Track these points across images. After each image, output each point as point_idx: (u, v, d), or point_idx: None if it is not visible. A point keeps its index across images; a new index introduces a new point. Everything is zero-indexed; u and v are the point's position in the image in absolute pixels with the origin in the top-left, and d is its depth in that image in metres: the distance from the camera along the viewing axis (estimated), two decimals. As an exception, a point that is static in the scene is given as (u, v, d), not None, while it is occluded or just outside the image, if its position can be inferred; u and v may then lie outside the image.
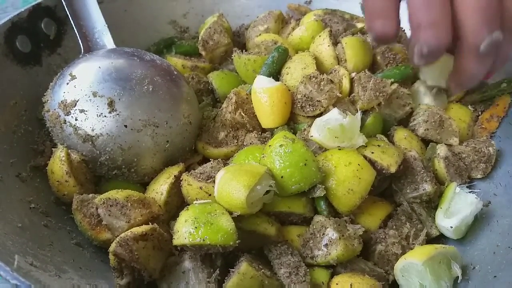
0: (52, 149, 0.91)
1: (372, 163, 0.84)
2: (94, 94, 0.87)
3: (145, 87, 0.90)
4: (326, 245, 0.78)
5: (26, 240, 0.76)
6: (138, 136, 0.88)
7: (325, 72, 1.00)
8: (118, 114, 0.87)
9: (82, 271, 0.77)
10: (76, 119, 0.87)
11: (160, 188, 0.88)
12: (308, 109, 0.94)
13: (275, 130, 0.95)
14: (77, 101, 0.88)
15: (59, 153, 0.86)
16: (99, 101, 0.87)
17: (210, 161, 0.91)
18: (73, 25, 1.03)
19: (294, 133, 0.93)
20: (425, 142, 0.99)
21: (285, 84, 0.98)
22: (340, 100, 0.95)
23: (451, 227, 0.85)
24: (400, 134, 0.97)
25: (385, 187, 0.93)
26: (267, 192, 0.77)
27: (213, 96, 1.11)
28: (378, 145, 0.87)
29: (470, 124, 1.04)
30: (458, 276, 0.79)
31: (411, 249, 0.83)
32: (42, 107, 0.93)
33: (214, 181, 0.80)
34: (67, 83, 0.90)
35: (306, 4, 1.33)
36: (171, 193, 0.88)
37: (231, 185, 0.75)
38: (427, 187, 0.88)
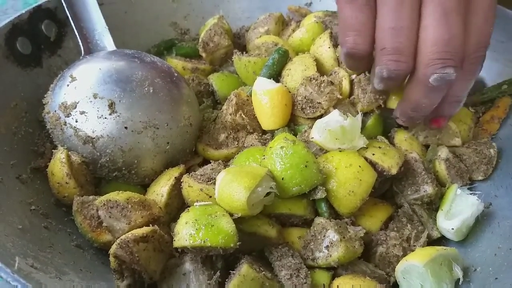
0: (53, 150, 0.91)
1: (373, 164, 0.84)
2: (95, 96, 0.87)
3: (146, 89, 0.90)
4: (327, 247, 0.78)
5: (27, 242, 0.76)
6: (139, 138, 0.88)
7: (325, 74, 1.00)
8: (118, 116, 0.87)
9: (82, 273, 0.77)
10: (76, 121, 0.87)
11: (160, 190, 0.88)
12: (308, 111, 0.94)
13: (276, 131, 0.95)
14: (78, 103, 0.87)
15: (60, 155, 0.86)
16: (100, 103, 0.87)
17: (210, 163, 0.91)
18: (74, 27, 1.03)
19: (295, 134, 0.93)
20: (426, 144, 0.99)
21: (286, 86, 0.98)
22: (340, 102, 0.95)
23: (452, 228, 0.85)
24: (401, 136, 0.97)
25: (386, 189, 0.93)
26: (268, 194, 0.77)
27: (214, 98, 1.11)
28: (379, 147, 0.87)
29: (471, 125, 1.04)
30: (459, 278, 0.79)
31: (412, 251, 0.83)
32: (43, 109, 0.93)
33: (214, 183, 0.80)
34: (68, 85, 0.90)
35: (307, 6, 1.33)
36: (172, 195, 0.88)
37: (232, 187, 0.75)
38: (428, 189, 0.88)
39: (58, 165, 0.86)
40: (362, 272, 0.80)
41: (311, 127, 0.89)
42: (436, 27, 0.73)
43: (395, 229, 0.86)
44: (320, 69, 1.02)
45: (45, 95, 0.94)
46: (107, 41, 1.04)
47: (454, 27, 0.73)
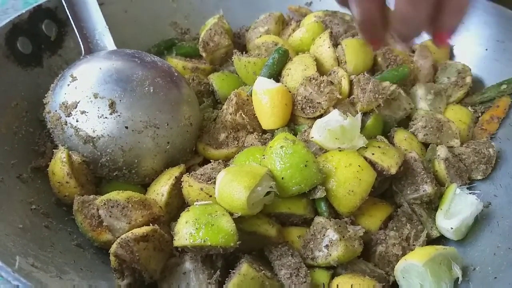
0: (53, 150, 0.91)
1: (372, 164, 0.84)
2: (95, 96, 0.87)
3: (146, 88, 0.90)
4: (326, 246, 0.78)
5: (27, 241, 0.76)
6: (139, 138, 0.88)
7: (325, 73, 1.01)
8: (119, 116, 0.87)
9: (83, 272, 0.77)
10: (77, 121, 0.87)
11: (161, 189, 0.88)
12: (308, 111, 0.95)
13: (276, 131, 0.95)
14: (78, 103, 0.88)
15: (60, 154, 0.86)
16: (100, 103, 0.87)
17: (210, 162, 0.91)
18: (74, 26, 1.03)
19: (295, 134, 0.93)
20: (426, 143, 1.00)
21: (286, 86, 0.98)
22: (340, 102, 0.95)
23: (452, 228, 0.85)
24: (400, 135, 0.97)
25: (386, 188, 0.94)
26: (268, 193, 0.77)
27: (214, 98, 1.11)
28: (379, 147, 0.87)
29: (470, 125, 1.04)
30: (458, 277, 0.79)
31: (412, 250, 0.83)
32: (43, 109, 0.93)
33: (214, 182, 0.80)
34: (68, 85, 0.90)
35: (307, 5, 1.33)
36: (172, 194, 0.88)
37: (232, 186, 0.75)
38: (428, 188, 0.88)
39: (59, 165, 0.86)
40: (361, 271, 0.80)
41: (311, 127, 0.89)
42: None
43: (395, 228, 0.87)
44: (320, 68, 1.02)
45: (46, 95, 0.94)
46: (108, 41, 1.04)
47: None
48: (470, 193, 0.89)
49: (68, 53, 1.09)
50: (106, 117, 0.87)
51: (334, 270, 0.81)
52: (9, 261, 0.68)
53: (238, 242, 0.73)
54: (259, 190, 0.76)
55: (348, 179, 0.81)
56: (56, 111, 0.89)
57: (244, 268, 0.74)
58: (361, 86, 0.95)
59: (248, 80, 1.07)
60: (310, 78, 0.95)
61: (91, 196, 0.86)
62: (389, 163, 0.85)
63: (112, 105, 0.87)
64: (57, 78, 0.95)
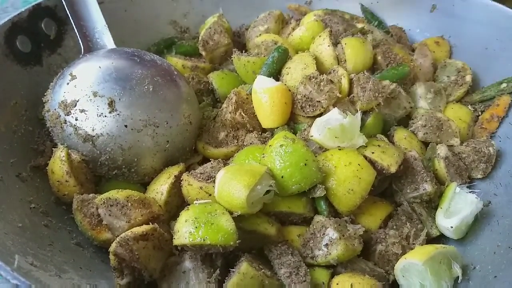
0: (53, 149, 0.91)
1: (372, 163, 0.84)
2: (95, 94, 0.87)
3: (146, 87, 0.90)
4: (326, 245, 0.78)
5: (26, 240, 0.76)
6: (139, 136, 0.88)
7: (325, 72, 1.00)
8: (118, 114, 0.87)
9: (82, 271, 0.77)
10: (76, 119, 0.87)
11: (160, 188, 0.88)
12: (308, 110, 0.94)
13: (276, 130, 0.95)
14: (78, 101, 0.88)
15: (60, 153, 0.86)
16: (100, 101, 0.87)
17: (210, 161, 0.91)
18: (74, 25, 1.03)
19: (294, 133, 0.93)
20: (425, 142, 0.99)
21: (285, 84, 0.98)
22: (340, 100, 0.95)
23: (452, 227, 0.85)
24: (400, 134, 0.97)
25: (385, 187, 0.94)
26: (268, 192, 0.77)
27: (213, 96, 1.11)
28: (378, 145, 0.87)
29: (470, 124, 1.04)
30: (458, 276, 0.79)
31: (412, 249, 0.83)
32: (43, 107, 0.93)
33: (214, 181, 0.80)
34: (68, 83, 0.90)
35: (306, 4, 1.33)
36: (172, 193, 0.88)
37: (232, 185, 0.75)
38: (427, 187, 0.88)
39: (58, 163, 0.86)
40: (361, 270, 0.80)
41: (310, 126, 0.89)
42: None
43: (395, 227, 0.87)
44: (320, 67, 1.02)
45: (45, 94, 0.94)
46: (107, 40, 1.04)
47: None
48: (470, 192, 0.88)
49: (68, 51, 1.09)
50: (105, 116, 0.87)
51: (334, 269, 0.81)
52: (8, 260, 0.68)
53: (237, 241, 0.73)
54: (258, 189, 0.75)
55: (348, 178, 0.81)
56: (55, 109, 0.89)
57: (244, 267, 0.74)
58: (361, 84, 0.95)
59: (247, 79, 1.07)
60: (310, 76, 0.95)
61: (91, 195, 0.86)
62: (389, 162, 0.85)
63: (111, 103, 0.87)
64: (56, 76, 0.95)
